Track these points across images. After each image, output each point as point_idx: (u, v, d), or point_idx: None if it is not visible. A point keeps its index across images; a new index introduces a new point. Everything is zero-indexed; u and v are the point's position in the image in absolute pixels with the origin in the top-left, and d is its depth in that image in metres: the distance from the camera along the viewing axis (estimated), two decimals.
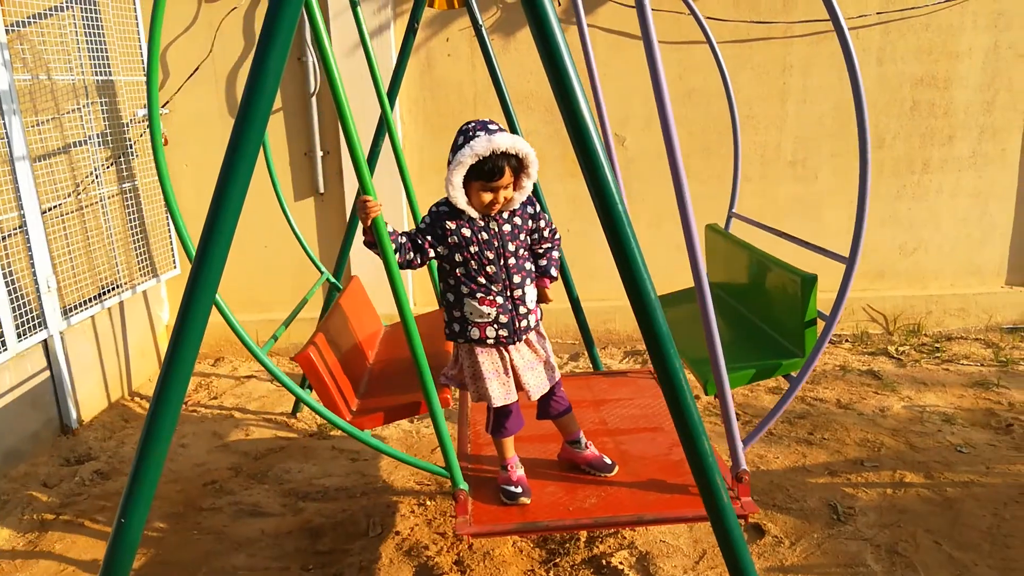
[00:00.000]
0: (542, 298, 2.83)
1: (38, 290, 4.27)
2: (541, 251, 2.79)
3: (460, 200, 2.54)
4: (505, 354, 2.69)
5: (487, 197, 2.54)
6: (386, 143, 4.26)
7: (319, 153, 5.59)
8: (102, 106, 4.91)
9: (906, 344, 5.51)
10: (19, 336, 4.10)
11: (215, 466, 4.12)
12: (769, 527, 3.30)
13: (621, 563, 3.05)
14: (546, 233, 2.77)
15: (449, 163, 2.53)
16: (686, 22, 5.21)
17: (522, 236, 2.68)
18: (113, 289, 4.99)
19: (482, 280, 2.61)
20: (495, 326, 2.64)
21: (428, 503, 3.63)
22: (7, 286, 4.06)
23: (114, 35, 5.00)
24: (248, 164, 1.95)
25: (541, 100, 5.50)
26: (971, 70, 5.47)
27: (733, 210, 4.02)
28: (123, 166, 5.12)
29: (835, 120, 5.55)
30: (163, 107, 5.49)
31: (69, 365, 4.54)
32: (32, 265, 4.23)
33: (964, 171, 5.65)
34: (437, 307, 4.71)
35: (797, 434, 4.18)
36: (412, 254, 2.61)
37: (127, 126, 5.15)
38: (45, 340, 4.36)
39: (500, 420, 2.76)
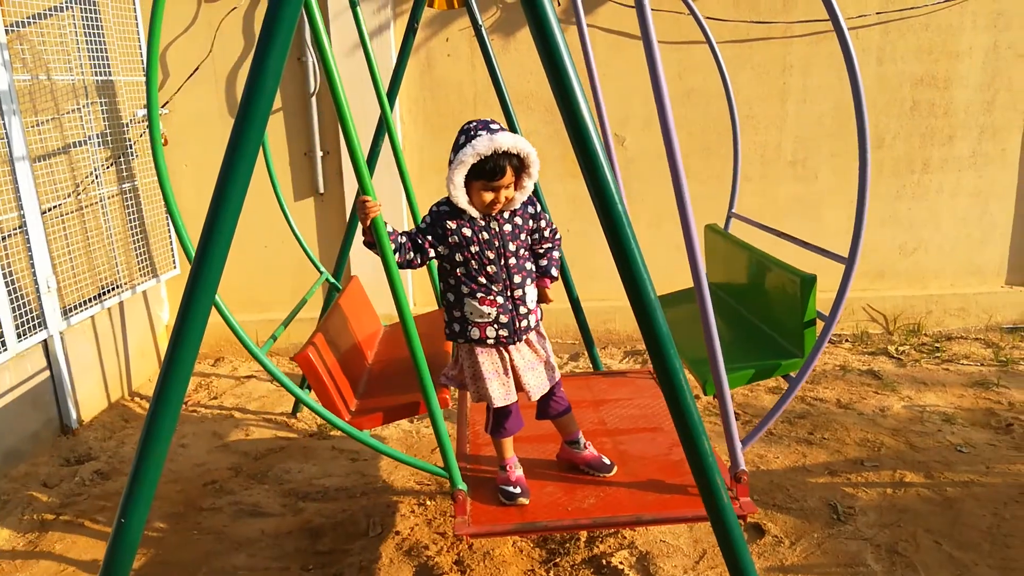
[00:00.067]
0: (542, 298, 2.82)
1: (38, 290, 4.27)
2: (541, 251, 2.79)
3: (461, 199, 2.54)
4: (505, 354, 2.69)
5: (488, 196, 2.54)
6: (386, 143, 4.26)
7: (319, 153, 5.59)
8: (102, 106, 4.91)
9: (906, 344, 5.51)
10: (19, 336, 4.10)
11: (215, 466, 4.12)
12: (769, 527, 3.30)
13: (621, 563, 3.05)
14: (547, 233, 2.77)
15: (450, 162, 2.53)
16: (686, 22, 5.21)
17: (523, 236, 2.68)
18: (113, 289, 4.99)
19: (482, 280, 2.61)
20: (495, 326, 2.64)
21: (428, 503, 3.63)
22: (7, 286, 4.06)
23: (114, 35, 5.00)
24: (248, 164, 1.95)
25: (541, 100, 5.50)
26: (971, 70, 5.47)
27: (733, 210, 4.02)
28: (123, 166, 5.12)
29: (835, 120, 5.55)
30: (163, 107, 5.49)
31: (69, 365, 4.54)
32: (32, 265, 4.23)
33: (964, 171, 5.65)
34: (437, 307, 4.71)
35: (797, 434, 4.18)
36: (412, 254, 2.61)
37: (127, 126, 5.15)
38: (45, 340, 4.36)
39: (500, 420, 2.76)
